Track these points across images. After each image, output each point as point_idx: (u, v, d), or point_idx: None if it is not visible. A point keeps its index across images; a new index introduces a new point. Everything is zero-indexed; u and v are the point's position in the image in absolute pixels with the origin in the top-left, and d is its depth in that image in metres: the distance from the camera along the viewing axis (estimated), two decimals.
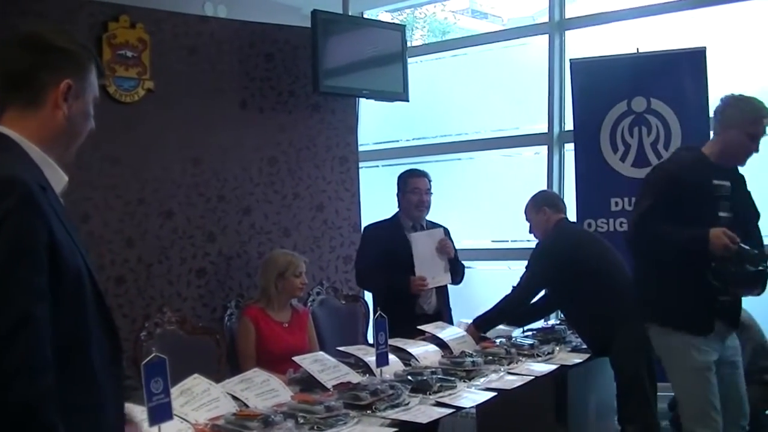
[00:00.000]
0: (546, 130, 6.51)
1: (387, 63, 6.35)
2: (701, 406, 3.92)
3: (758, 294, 3.89)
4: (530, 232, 4.97)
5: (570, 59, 6.04)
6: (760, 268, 3.81)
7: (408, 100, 6.40)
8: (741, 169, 4.11)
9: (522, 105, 7.01)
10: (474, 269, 6.39)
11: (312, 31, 5.92)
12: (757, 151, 3.97)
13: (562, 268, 4.61)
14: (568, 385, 4.67)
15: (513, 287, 4.78)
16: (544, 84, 6.55)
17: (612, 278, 4.57)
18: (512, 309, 4.82)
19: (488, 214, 7.03)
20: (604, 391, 5.02)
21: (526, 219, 4.94)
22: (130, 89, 5.49)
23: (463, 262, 5.42)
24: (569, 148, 6.23)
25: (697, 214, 3.87)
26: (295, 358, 3.96)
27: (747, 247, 3.80)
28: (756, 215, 4.15)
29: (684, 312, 3.92)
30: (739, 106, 3.96)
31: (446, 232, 5.32)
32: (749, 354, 4.79)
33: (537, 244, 4.87)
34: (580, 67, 5.93)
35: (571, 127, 6.05)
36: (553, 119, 6.49)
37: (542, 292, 4.92)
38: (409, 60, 6.52)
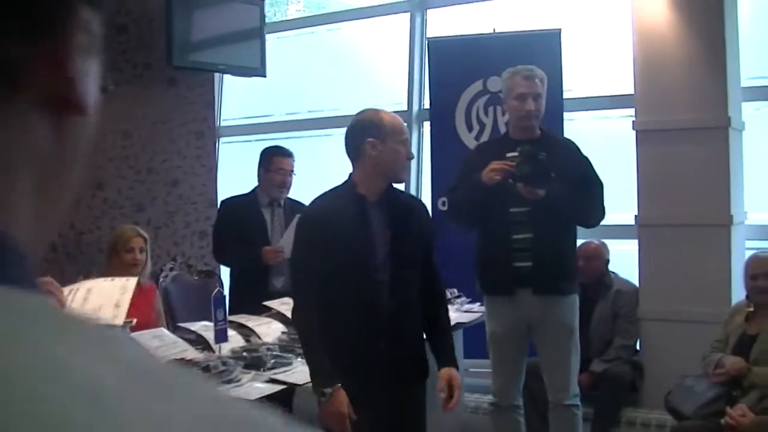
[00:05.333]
0: (405, 108, 6.53)
1: (245, 38, 6.29)
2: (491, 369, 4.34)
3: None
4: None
5: (427, 38, 6.07)
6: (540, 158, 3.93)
7: (265, 76, 6.36)
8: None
9: (382, 83, 7.02)
10: None
11: (166, 3, 5.80)
12: (531, 108, 4.12)
13: None
14: None
15: None
16: (405, 62, 6.56)
17: None
18: None
19: None
20: None
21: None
22: None
23: None
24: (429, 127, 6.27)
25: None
26: (134, 335, 3.91)
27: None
28: (591, 183, 4.16)
29: (482, 276, 4.25)
30: (503, 79, 4.30)
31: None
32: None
33: None
34: (438, 45, 5.97)
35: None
36: (412, 97, 6.50)
37: None
38: (273, 35, 6.46)
